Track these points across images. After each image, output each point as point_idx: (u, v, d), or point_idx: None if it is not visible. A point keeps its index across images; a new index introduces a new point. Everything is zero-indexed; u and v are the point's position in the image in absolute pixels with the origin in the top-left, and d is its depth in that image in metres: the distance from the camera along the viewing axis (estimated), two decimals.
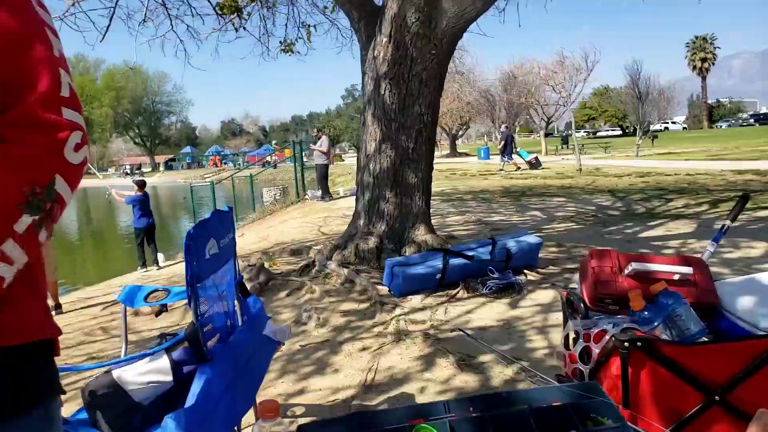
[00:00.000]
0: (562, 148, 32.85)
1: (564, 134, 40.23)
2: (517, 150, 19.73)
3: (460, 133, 40.65)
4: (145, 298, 2.20)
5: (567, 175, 15.00)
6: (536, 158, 18.71)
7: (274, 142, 66.92)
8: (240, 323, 2.06)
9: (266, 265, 5.14)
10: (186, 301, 1.76)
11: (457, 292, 4.10)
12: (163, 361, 1.81)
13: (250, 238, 8.85)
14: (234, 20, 8.08)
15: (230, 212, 1.97)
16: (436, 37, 4.48)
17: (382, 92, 4.68)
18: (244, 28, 8.50)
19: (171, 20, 7.75)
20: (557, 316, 3.52)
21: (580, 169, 15.35)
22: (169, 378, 1.81)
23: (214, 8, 7.74)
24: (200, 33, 8.43)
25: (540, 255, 4.71)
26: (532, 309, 3.73)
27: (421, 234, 4.71)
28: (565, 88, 24.92)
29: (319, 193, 13.71)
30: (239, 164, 46.93)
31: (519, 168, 18.06)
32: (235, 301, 2.05)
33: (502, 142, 18.36)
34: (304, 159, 16.44)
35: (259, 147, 65.60)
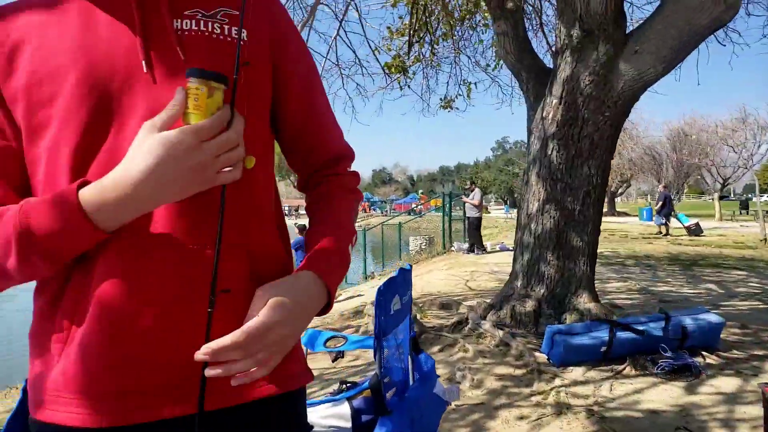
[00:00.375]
0: (741, 213, 29.66)
1: (742, 198, 36.28)
2: (676, 213, 18.04)
3: (620, 191, 38.59)
4: (325, 342, 2.33)
5: (748, 244, 13.44)
6: (697, 224, 16.79)
7: (420, 191, 68.43)
8: (411, 380, 2.09)
9: (418, 317, 5.19)
10: (358, 350, 1.85)
11: (624, 368, 3.81)
12: (345, 408, 1.90)
13: None
14: (399, 79, 8.54)
15: (410, 270, 2.05)
16: (610, 99, 4.35)
17: (549, 152, 4.62)
18: (408, 86, 8.94)
19: (343, 79, 8.38)
20: (745, 410, 3.13)
21: (766, 239, 13.69)
22: (348, 425, 1.89)
23: (382, 68, 8.24)
24: (368, 91, 8.96)
25: (721, 336, 4.25)
26: (713, 398, 3.35)
27: (584, 301, 4.49)
28: (746, 148, 22.68)
29: (465, 245, 13.67)
30: (386, 211, 48.52)
31: (668, 233, 16.44)
32: (409, 357, 2.09)
33: (660, 203, 17.00)
34: (453, 210, 16.55)
35: (406, 195, 67.45)
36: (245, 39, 0.84)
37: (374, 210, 53.26)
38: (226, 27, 0.83)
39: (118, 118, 0.76)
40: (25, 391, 0.85)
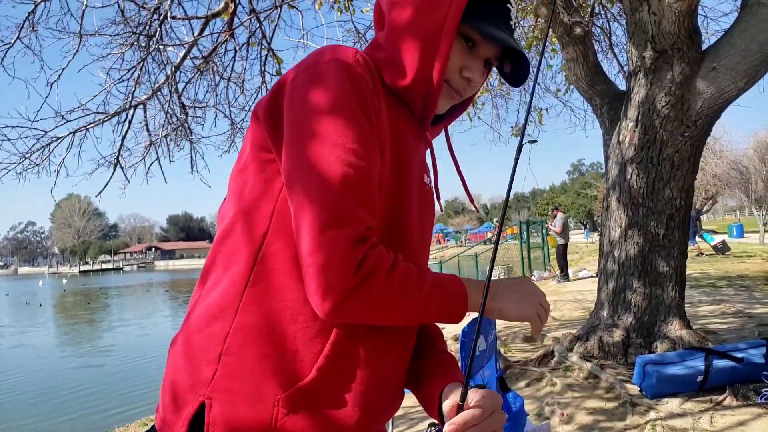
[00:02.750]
0: None
1: None
2: (701, 233, 17.06)
3: (706, 208, 36.48)
4: None
5: None
6: (723, 242, 16.22)
7: (495, 220, 67.47)
8: None
9: (502, 351, 5.12)
10: None
11: (724, 399, 3.59)
12: None
13: None
14: (468, 110, 8.59)
15: None
16: (689, 119, 4.21)
17: (628, 177, 4.50)
18: (478, 117, 8.98)
19: None
20: None
21: None
22: None
23: None
24: None
25: None
26: None
27: (675, 329, 4.28)
28: None
29: (546, 274, 13.33)
30: (461, 241, 48.10)
31: (701, 254, 15.52)
32: None
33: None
34: (531, 237, 16.21)
35: (480, 225, 66.68)
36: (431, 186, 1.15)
37: (449, 241, 52.95)
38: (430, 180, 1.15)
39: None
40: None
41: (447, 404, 0.84)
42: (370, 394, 0.90)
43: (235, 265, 0.89)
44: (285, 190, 0.87)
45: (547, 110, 9.05)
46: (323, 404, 0.85)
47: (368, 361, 0.89)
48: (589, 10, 7.18)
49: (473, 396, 0.82)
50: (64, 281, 55.03)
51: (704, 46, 4.30)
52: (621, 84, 5.63)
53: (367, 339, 0.90)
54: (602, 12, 7.54)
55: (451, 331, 6.03)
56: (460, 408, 0.81)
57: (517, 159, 0.91)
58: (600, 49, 7.89)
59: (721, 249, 15.73)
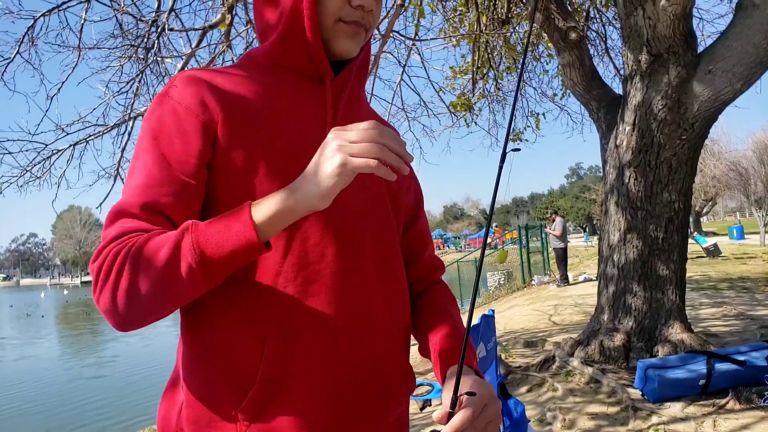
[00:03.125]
0: None
1: None
2: (693, 234, 16.92)
3: (705, 210, 36.49)
4: None
5: None
6: (715, 245, 15.95)
7: (495, 224, 67.47)
8: (502, 426, 2.09)
9: (502, 356, 5.11)
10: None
11: (727, 402, 3.58)
12: None
13: None
14: (465, 117, 8.62)
15: (493, 316, 2.07)
16: (686, 122, 4.23)
17: (626, 180, 4.52)
18: (475, 123, 8.99)
19: (409, 122, 8.55)
20: None
21: None
22: None
23: (448, 108, 8.35)
24: (434, 131, 9.08)
25: None
26: None
27: (676, 332, 4.28)
28: None
29: (546, 278, 13.33)
30: (461, 246, 48.05)
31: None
32: None
33: None
34: (531, 242, 16.19)
35: (479, 230, 66.64)
36: None
37: (448, 247, 52.88)
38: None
39: None
40: None
41: (436, 415, 0.82)
42: (334, 386, 0.87)
43: None
44: None
45: (544, 115, 9.09)
46: (283, 407, 0.84)
47: (315, 355, 0.86)
48: (584, 14, 7.22)
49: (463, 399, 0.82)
50: (65, 292, 54.97)
51: (700, 49, 4.33)
52: (617, 88, 5.67)
53: (302, 333, 0.86)
54: (597, 16, 7.58)
55: None
56: (451, 415, 0.80)
57: (500, 168, 0.89)
58: (596, 54, 7.93)
59: (713, 252, 15.66)
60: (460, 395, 0.81)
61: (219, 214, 0.79)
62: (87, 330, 20.83)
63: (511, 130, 0.93)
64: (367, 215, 0.96)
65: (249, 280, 0.86)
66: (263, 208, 0.76)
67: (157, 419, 0.95)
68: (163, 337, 16.87)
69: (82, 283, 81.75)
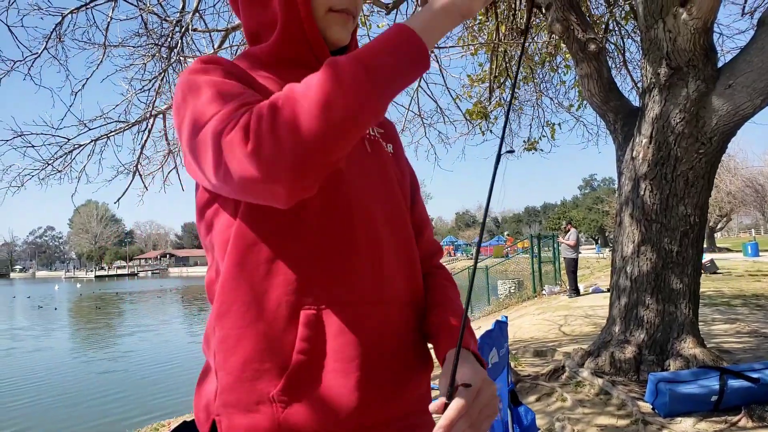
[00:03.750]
0: None
1: None
2: None
3: (720, 225, 36.15)
4: None
5: None
6: (711, 261, 15.78)
7: (506, 233, 67.21)
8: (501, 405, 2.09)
9: (512, 365, 5.11)
10: None
11: (739, 419, 3.56)
12: None
13: None
14: (481, 124, 8.63)
15: (506, 323, 2.09)
16: (704, 136, 4.22)
17: (642, 192, 4.51)
18: (491, 131, 9.00)
19: (425, 128, 8.58)
20: None
21: None
22: None
23: (464, 115, 8.38)
24: (450, 138, 9.11)
25: None
26: None
27: (688, 347, 4.26)
28: None
29: (556, 288, 13.27)
30: (472, 254, 47.90)
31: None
32: (508, 410, 2.11)
33: None
34: (542, 252, 16.13)
35: (491, 238, 66.47)
36: (392, 151, 1.08)
37: (459, 254, 52.75)
38: (383, 141, 1.07)
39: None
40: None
41: (433, 406, 0.83)
42: (367, 362, 0.88)
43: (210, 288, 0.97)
44: (215, 222, 0.93)
45: (560, 125, 9.08)
46: (319, 386, 0.86)
47: (349, 331, 0.88)
48: (604, 27, 7.21)
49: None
50: (78, 285, 55.50)
51: (719, 64, 4.32)
52: (634, 100, 5.66)
53: (340, 310, 0.88)
54: (616, 29, 7.57)
55: None
56: (446, 406, 0.80)
57: (495, 172, 0.88)
58: (614, 66, 7.92)
59: (709, 268, 15.47)
60: (456, 386, 0.82)
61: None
62: (99, 324, 21.02)
63: (505, 135, 0.92)
64: (382, 198, 0.99)
65: (285, 253, 0.88)
66: (418, 23, 0.79)
67: (194, 412, 0.96)
68: (176, 334, 17.00)
69: (96, 277, 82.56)
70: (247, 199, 0.80)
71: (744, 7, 6.19)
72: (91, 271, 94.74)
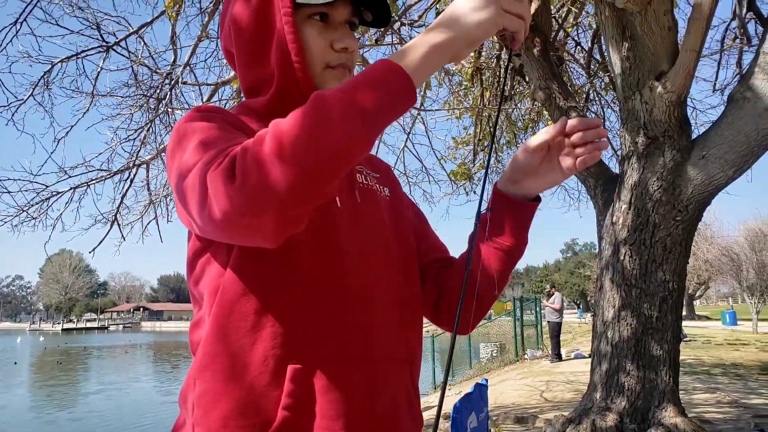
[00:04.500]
0: None
1: None
2: None
3: (698, 293, 36.47)
4: None
5: None
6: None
7: None
8: None
9: (492, 431, 4.97)
10: None
11: None
12: None
13: None
14: (465, 185, 8.75)
15: (486, 386, 2.04)
16: (680, 203, 4.31)
17: (622, 257, 4.55)
18: (474, 192, 9.12)
19: (410, 187, 8.67)
20: None
21: None
22: None
23: (448, 176, 8.50)
24: (434, 197, 9.20)
25: None
26: None
27: (669, 416, 4.20)
28: None
29: (539, 353, 13.14)
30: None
31: None
32: None
33: None
34: (524, 315, 16.04)
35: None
36: (388, 195, 1.08)
37: None
38: (378, 185, 1.07)
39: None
40: None
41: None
42: (354, 421, 0.86)
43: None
44: (206, 272, 0.91)
45: None
46: None
47: (336, 389, 0.85)
48: (585, 96, 7.47)
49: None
50: (41, 339, 53.58)
51: (693, 136, 4.46)
52: (614, 167, 5.79)
53: (328, 366, 0.86)
54: (596, 98, 7.84)
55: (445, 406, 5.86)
56: None
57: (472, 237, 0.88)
58: None
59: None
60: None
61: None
62: (60, 381, 20.19)
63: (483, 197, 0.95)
64: (378, 250, 0.97)
65: (274, 306, 0.86)
66: (407, 59, 0.78)
67: None
68: (146, 393, 16.38)
69: (63, 330, 79.85)
70: (233, 238, 0.78)
71: (715, 84, 6.49)
72: (58, 323, 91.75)
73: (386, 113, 0.76)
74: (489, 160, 1.03)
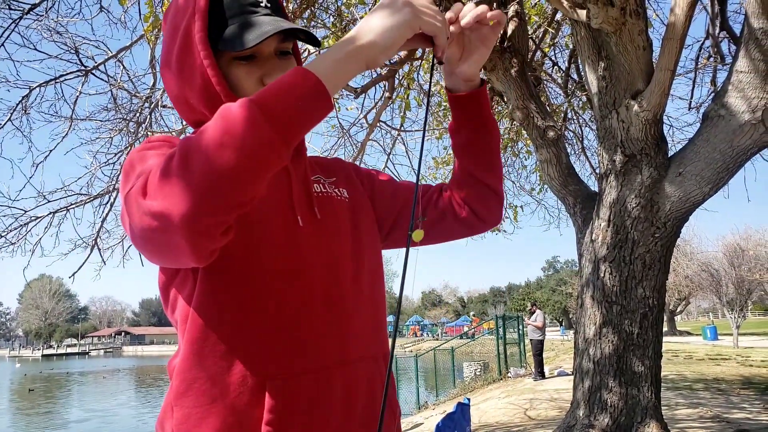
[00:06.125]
0: None
1: None
2: None
3: (679, 309, 36.83)
4: None
5: None
6: None
7: (472, 313, 66.98)
8: None
9: None
10: None
11: None
12: None
13: None
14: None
15: (469, 405, 2.04)
16: (659, 220, 4.38)
17: (602, 275, 4.59)
18: None
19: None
20: None
21: None
22: None
23: None
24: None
25: None
26: None
27: (653, 431, 4.21)
28: None
29: (522, 371, 13.13)
30: (438, 334, 47.42)
31: None
32: None
33: None
34: (507, 333, 16.04)
35: (457, 318, 66.07)
36: (347, 196, 1.08)
37: (425, 334, 52.10)
38: (335, 189, 1.08)
39: None
40: None
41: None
42: (337, 424, 0.89)
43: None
44: (178, 300, 0.92)
45: (522, 207, 9.32)
46: None
47: (316, 397, 0.88)
48: (563, 115, 7.60)
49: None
50: (17, 365, 52.36)
51: (670, 153, 4.55)
52: (593, 185, 5.88)
53: (307, 377, 0.87)
54: (575, 117, 7.98)
55: (428, 426, 5.83)
56: None
57: (406, 257, 0.87)
58: (573, 152, 8.27)
59: None
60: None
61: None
62: (43, 408, 19.69)
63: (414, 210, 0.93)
64: (346, 255, 1.00)
65: (247, 326, 0.86)
66: (319, 66, 0.78)
67: None
68: (126, 420, 16.02)
69: (43, 356, 78.09)
70: (162, 258, 0.80)
71: (690, 102, 6.63)
72: (38, 349, 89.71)
73: (298, 116, 0.74)
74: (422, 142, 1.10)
